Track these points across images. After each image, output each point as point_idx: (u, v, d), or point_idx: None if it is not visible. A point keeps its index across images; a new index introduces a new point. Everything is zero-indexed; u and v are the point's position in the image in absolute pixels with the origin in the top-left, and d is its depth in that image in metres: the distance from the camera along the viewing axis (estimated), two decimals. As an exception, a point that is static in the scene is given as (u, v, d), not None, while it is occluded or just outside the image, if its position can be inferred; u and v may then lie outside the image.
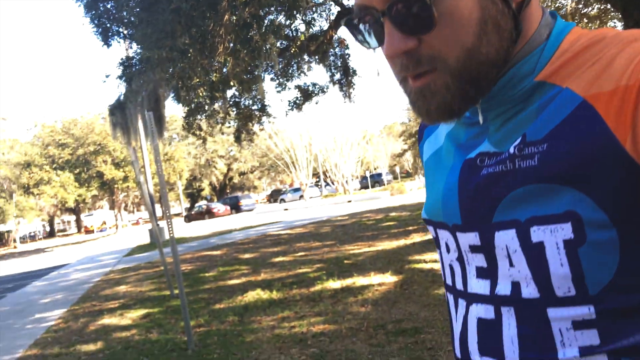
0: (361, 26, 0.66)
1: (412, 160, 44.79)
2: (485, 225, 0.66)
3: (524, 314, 0.63)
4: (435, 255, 7.76)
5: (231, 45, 6.71)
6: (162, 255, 8.58)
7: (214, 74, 7.33)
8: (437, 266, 6.94)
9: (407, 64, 0.63)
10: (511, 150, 0.64)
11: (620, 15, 10.59)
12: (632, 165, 0.55)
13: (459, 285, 0.73)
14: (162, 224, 23.11)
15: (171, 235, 5.44)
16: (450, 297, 0.76)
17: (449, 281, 0.77)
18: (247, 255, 11.54)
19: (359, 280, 6.81)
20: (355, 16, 0.66)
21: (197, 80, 7.28)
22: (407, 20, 0.60)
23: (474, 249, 0.69)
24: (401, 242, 9.88)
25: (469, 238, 0.69)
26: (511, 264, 0.64)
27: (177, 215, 64.58)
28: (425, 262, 7.40)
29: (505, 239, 0.64)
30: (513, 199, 0.63)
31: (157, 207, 33.99)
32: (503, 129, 0.67)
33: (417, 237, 10.07)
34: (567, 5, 15.73)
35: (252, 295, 6.94)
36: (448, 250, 0.75)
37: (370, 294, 6.03)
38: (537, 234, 0.61)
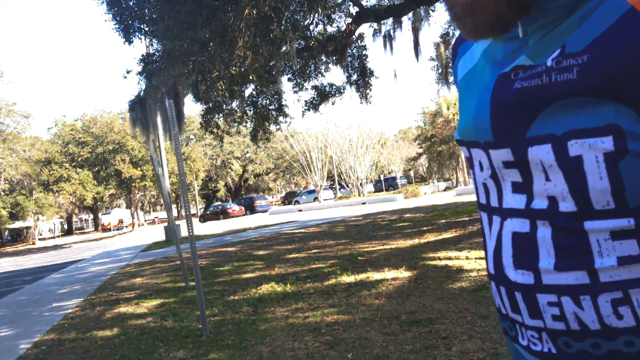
0: None
1: (426, 164, 44.59)
2: (519, 140, 0.65)
3: (561, 227, 0.63)
4: (449, 254, 7.72)
5: (251, 39, 6.79)
6: (178, 246, 8.67)
7: (233, 68, 7.40)
8: (451, 263, 6.92)
9: None
10: (548, 62, 0.62)
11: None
12: None
13: (494, 202, 0.72)
14: (179, 222, 23.31)
15: (189, 227, 5.49)
16: (484, 216, 0.75)
17: (482, 200, 0.76)
18: (261, 252, 11.59)
19: (372, 275, 6.81)
20: None
21: (217, 73, 7.36)
22: None
23: (507, 164, 0.68)
24: (415, 241, 9.85)
25: (502, 154, 0.68)
26: (547, 179, 0.63)
27: (193, 215, 65.05)
28: (440, 259, 7.38)
29: (540, 154, 0.63)
30: (549, 114, 0.62)
31: (173, 206, 34.12)
32: (541, 42, 0.65)
33: (431, 237, 10.03)
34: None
35: (266, 288, 6.98)
36: (482, 169, 0.74)
37: (384, 287, 6.02)
38: (575, 147, 0.59)
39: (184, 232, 19.89)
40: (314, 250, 10.50)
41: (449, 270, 6.48)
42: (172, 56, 7.10)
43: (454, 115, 30.35)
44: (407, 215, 16.53)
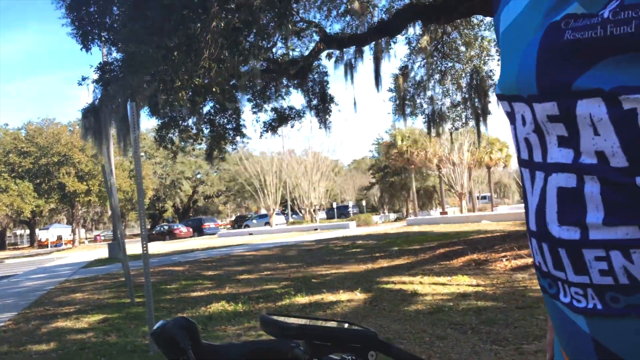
0: None
1: (378, 194, 45.24)
2: (565, 94, 0.62)
3: (611, 182, 0.60)
4: (403, 278, 7.74)
5: (217, 50, 6.73)
6: (125, 261, 8.31)
7: (197, 79, 7.29)
8: (405, 287, 6.92)
9: None
10: (605, 14, 0.59)
11: None
12: None
13: (537, 158, 0.69)
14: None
15: (143, 239, 5.27)
16: (526, 172, 0.72)
17: (524, 155, 0.72)
18: (210, 272, 11.27)
19: (327, 297, 6.71)
20: None
21: (179, 83, 7.22)
22: None
23: (552, 118, 0.65)
24: (369, 266, 9.85)
25: (547, 108, 0.65)
26: (596, 133, 0.60)
27: (137, 235, 62.93)
28: (394, 283, 7.37)
29: (589, 108, 0.60)
30: (599, 68, 0.59)
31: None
32: None
33: (384, 263, 10.06)
34: None
35: (216, 307, 6.74)
36: (524, 123, 0.70)
37: (339, 308, 5.94)
38: (628, 102, 0.57)
39: (129, 251, 19.10)
40: (266, 272, 10.31)
41: (404, 293, 6.47)
42: (134, 61, 6.90)
43: (407, 147, 31.03)
44: (360, 241, 16.57)
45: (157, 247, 26.17)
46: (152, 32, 6.07)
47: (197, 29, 6.22)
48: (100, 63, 11.46)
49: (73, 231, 41.51)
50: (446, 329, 4.55)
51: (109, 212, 17.96)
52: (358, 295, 6.63)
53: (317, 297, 6.72)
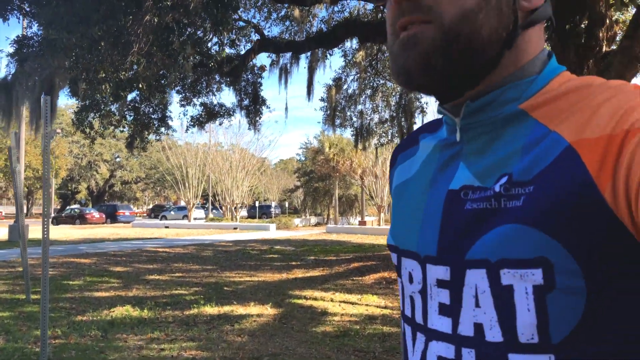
0: None
1: (302, 197, 45.44)
2: (459, 261, 0.64)
3: (485, 357, 0.62)
4: (315, 293, 7.81)
5: (147, 46, 6.45)
6: (24, 251, 7.78)
7: (123, 73, 6.94)
8: (316, 304, 6.99)
9: (405, 7, 0.63)
10: (497, 188, 0.62)
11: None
12: (610, 216, 0.54)
13: (419, 319, 0.71)
14: (28, 221, 21.00)
15: (45, 230, 4.96)
16: (408, 329, 0.74)
17: (407, 312, 0.74)
18: (118, 268, 10.80)
19: (237, 309, 6.64)
20: None
21: (103, 75, 6.84)
22: None
23: (441, 283, 0.67)
24: (283, 275, 9.85)
25: (439, 272, 0.67)
26: (477, 305, 0.62)
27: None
28: (306, 298, 7.42)
29: (476, 278, 0.62)
30: (489, 239, 0.61)
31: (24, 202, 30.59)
32: (484, 160, 0.66)
33: (299, 273, 10.11)
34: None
35: (120, 311, 6.47)
36: (411, 281, 0.72)
37: (247, 324, 5.89)
38: (507, 277, 0.59)
39: (32, 234, 17.93)
40: (177, 274, 10.03)
41: (314, 311, 6.53)
42: (55, 46, 6.46)
43: (334, 155, 31.41)
44: (278, 246, 16.56)
45: (65, 232, 24.74)
46: (78, 20, 5.71)
47: (127, 21, 5.93)
48: (17, 36, 10.66)
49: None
50: (350, 355, 4.64)
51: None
52: (268, 310, 6.61)
53: (226, 309, 6.62)
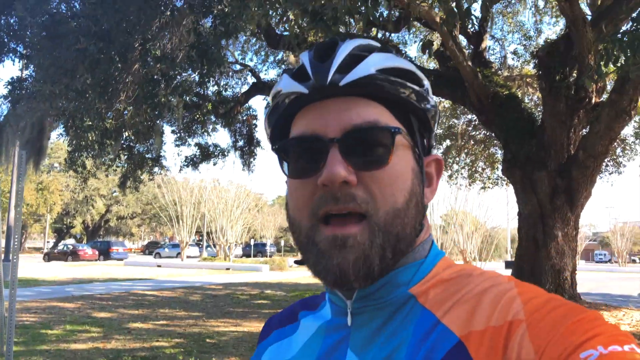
0: (295, 154, 0.65)
1: (298, 236, 45.16)
2: None
3: None
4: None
5: (135, 94, 6.44)
6: (0, 303, 7.56)
7: (110, 121, 6.91)
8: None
9: (339, 195, 0.61)
10: None
11: (501, 144, 11.86)
12: None
13: None
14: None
15: (13, 274, 4.82)
16: None
17: None
18: (102, 314, 10.54)
19: (217, 366, 6.40)
20: (292, 144, 0.65)
21: (89, 122, 6.81)
22: (360, 151, 0.62)
23: None
24: (270, 325, 9.59)
25: None
26: None
27: (39, 249, 58.65)
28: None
29: None
30: None
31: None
32: (374, 349, 0.63)
33: (287, 323, 9.84)
34: (458, 125, 17.37)
35: (95, 366, 6.23)
36: None
37: (225, 384, 5.66)
38: None
39: (20, 273, 17.64)
40: (162, 322, 9.77)
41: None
42: (41, 96, 6.46)
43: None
44: (269, 291, 16.27)
45: (55, 271, 24.38)
46: (63, 72, 5.72)
47: (114, 71, 5.94)
48: (12, 78, 10.74)
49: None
50: None
51: (7, 222, 16.60)
52: (249, 367, 6.38)
53: (206, 365, 6.39)
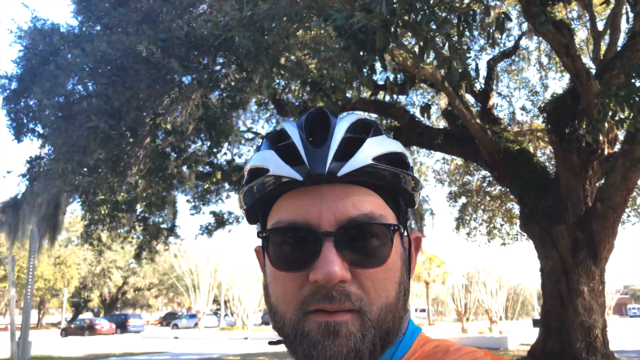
0: (282, 243, 0.62)
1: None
2: None
3: None
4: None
5: (146, 168, 6.57)
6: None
7: (121, 194, 7.02)
8: None
9: (334, 295, 0.59)
10: None
11: (517, 200, 11.71)
12: None
13: None
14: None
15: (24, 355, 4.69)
16: None
17: None
18: (117, 392, 10.22)
19: None
20: (279, 232, 0.62)
21: (102, 197, 6.92)
22: (356, 247, 0.60)
23: None
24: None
25: None
26: None
27: (57, 324, 58.18)
28: None
29: None
30: None
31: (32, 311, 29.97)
32: None
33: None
34: (473, 182, 17.29)
35: None
36: None
37: None
38: None
39: (37, 349, 17.34)
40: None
41: None
42: (56, 174, 6.62)
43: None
44: (287, 360, 15.75)
45: (71, 347, 24.00)
46: (75, 150, 5.89)
47: (126, 145, 6.11)
48: (30, 157, 11.03)
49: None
50: None
51: (22, 300, 16.46)
52: None
53: None
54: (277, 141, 0.65)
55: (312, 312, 0.59)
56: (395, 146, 0.67)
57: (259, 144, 0.76)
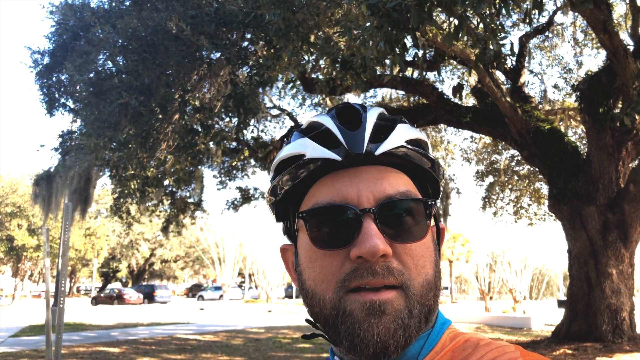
0: (321, 223, 0.62)
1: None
2: None
3: None
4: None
5: (175, 144, 6.66)
6: (49, 349, 7.71)
7: (151, 169, 7.14)
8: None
9: (377, 269, 0.59)
10: None
11: (546, 180, 11.51)
12: None
13: None
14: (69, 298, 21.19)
15: (59, 320, 4.88)
16: None
17: None
18: (146, 359, 10.58)
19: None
20: (319, 212, 0.63)
21: (132, 172, 7.06)
22: (394, 223, 0.61)
23: None
24: (313, 372, 9.38)
25: None
26: None
27: (87, 293, 60.15)
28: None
29: None
30: None
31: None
32: None
33: (330, 369, 9.61)
34: (500, 160, 17.03)
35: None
36: None
37: None
38: None
39: (69, 317, 17.99)
40: (203, 368, 9.71)
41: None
42: (88, 149, 6.76)
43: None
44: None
45: (101, 315, 24.84)
46: (107, 125, 6.00)
47: (156, 122, 6.18)
48: (62, 131, 11.27)
49: (15, 286, 39.32)
50: None
51: (56, 268, 17.03)
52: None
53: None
54: (311, 130, 0.67)
55: (353, 291, 0.60)
56: (422, 135, 0.69)
57: (284, 125, 0.77)
